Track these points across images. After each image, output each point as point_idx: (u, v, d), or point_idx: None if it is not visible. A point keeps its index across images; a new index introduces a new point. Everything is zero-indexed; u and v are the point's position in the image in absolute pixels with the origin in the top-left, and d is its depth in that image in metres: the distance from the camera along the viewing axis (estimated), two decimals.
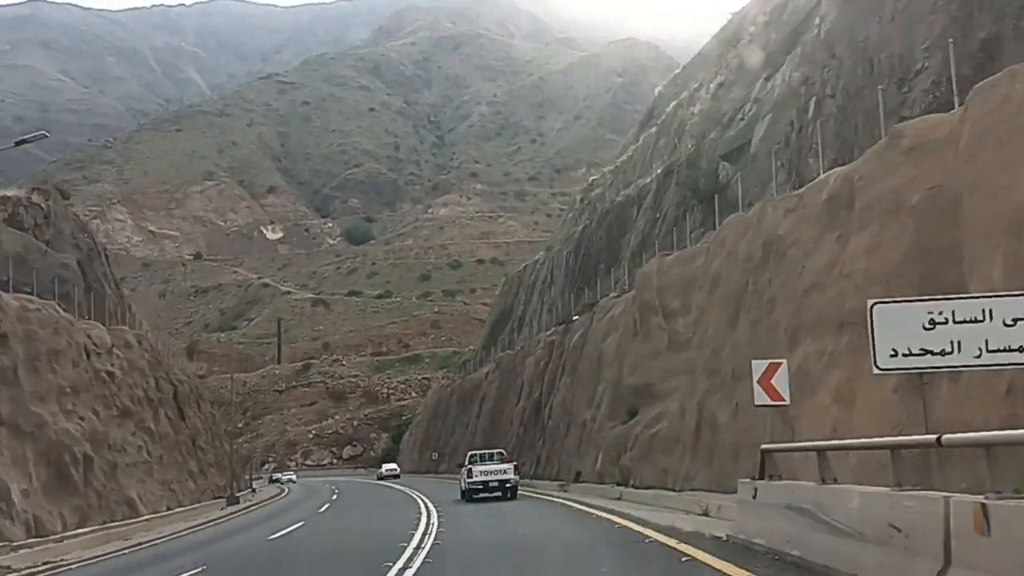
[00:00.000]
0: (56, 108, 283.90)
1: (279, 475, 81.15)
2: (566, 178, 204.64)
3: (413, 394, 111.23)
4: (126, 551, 20.99)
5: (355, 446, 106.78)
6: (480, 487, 29.85)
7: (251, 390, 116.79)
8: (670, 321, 28.41)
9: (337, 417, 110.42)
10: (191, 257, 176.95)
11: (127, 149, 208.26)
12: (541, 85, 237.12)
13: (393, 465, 73.70)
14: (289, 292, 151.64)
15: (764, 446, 10.38)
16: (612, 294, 38.10)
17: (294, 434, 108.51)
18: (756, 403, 11.44)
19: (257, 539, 20.55)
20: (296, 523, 24.60)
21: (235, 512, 37.63)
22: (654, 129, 58.10)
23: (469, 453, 35.21)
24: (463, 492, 31.11)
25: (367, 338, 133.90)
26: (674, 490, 23.60)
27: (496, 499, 30.13)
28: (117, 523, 26.12)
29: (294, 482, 74.29)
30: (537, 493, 33.55)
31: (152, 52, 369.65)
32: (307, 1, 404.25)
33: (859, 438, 11.78)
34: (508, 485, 30.28)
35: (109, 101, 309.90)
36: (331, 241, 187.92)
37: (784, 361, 11.30)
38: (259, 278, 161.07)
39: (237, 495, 44.52)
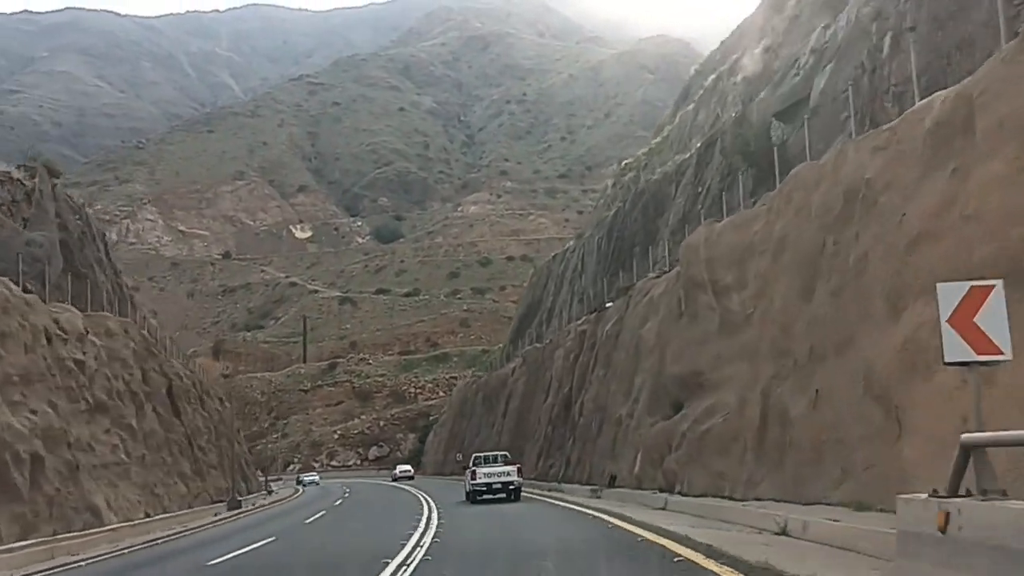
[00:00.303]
0: (92, 113, 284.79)
1: (304, 476, 77.47)
2: (597, 175, 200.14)
3: (441, 393, 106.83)
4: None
5: (381, 447, 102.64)
6: (484, 489, 30.13)
7: (276, 389, 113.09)
8: (722, 298, 23.74)
9: (363, 417, 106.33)
10: (220, 256, 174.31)
11: (159, 150, 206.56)
12: (571, 83, 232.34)
13: (407, 467, 74.34)
14: (316, 291, 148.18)
15: (967, 436, 5.72)
16: (651, 275, 33.44)
17: (319, 434, 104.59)
18: (946, 359, 6.68)
19: (195, 565, 16.10)
20: (267, 538, 20.24)
21: (228, 518, 33.47)
22: (691, 105, 53.36)
23: (473, 455, 35.26)
24: (468, 494, 31.06)
25: (395, 337, 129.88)
26: (733, 498, 18.95)
27: (501, 502, 29.31)
28: (69, 535, 21.87)
29: (317, 484, 70.87)
30: (565, 500, 28.95)
31: (187, 57, 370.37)
32: (339, 5, 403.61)
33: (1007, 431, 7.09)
34: (511, 487, 30.60)
35: (144, 105, 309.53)
36: (360, 240, 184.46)
37: (998, 283, 6.51)
38: (287, 277, 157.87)
39: (240, 499, 40.41)
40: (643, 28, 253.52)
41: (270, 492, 54.98)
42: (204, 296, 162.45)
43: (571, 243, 66.15)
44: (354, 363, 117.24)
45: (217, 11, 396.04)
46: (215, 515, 34.03)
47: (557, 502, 28.39)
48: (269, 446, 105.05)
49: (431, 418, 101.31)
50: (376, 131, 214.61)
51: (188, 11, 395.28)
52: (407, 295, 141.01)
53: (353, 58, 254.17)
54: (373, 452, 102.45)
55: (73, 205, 43.81)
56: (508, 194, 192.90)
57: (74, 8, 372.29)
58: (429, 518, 21.91)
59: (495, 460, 32.70)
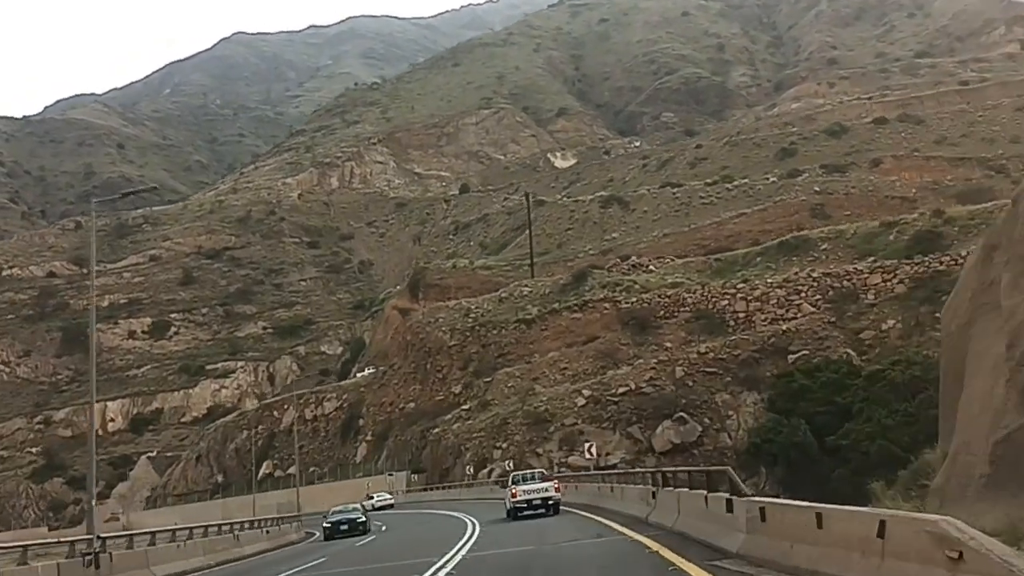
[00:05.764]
0: None
1: None
2: (973, 45, 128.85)
3: (809, 308, 44.73)
4: None
5: (683, 422, 42.15)
6: (524, 505, 28.72)
7: (477, 325, 56.19)
8: None
9: (639, 363, 46.34)
10: (456, 192, 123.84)
11: (395, 89, 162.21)
12: None
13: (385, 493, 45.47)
14: (571, 198, 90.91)
15: None
16: None
17: (548, 399, 45.87)
18: None
19: None
20: None
21: None
22: None
23: (512, 474, 33.15)
24: (508, 511, 29.15)
25: (692, 243, 69.10)
26: None
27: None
28: None
29: None
30: None
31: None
32: None
33: None
34: (550, 502, 29.07)
35: None
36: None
37: None
38: (534, 196, 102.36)
39: None
40: None
41: None
42: (433, 237, 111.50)
43: None
44: (620, 272, 57.51)
45: (491, 2, 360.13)
46: None
47: None
48: (454, 426, 48.24)
49: (795, 355, 39.73)
50: (654, 40, 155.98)
51: (463, 6, 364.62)
52: (711, 184, 79.38)
53: None
54: (665, 434, 42.18)
55: None
56: (845, 80, 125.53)
57: (355, 16, 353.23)
58: None
59: (532, 478, 30.67)
